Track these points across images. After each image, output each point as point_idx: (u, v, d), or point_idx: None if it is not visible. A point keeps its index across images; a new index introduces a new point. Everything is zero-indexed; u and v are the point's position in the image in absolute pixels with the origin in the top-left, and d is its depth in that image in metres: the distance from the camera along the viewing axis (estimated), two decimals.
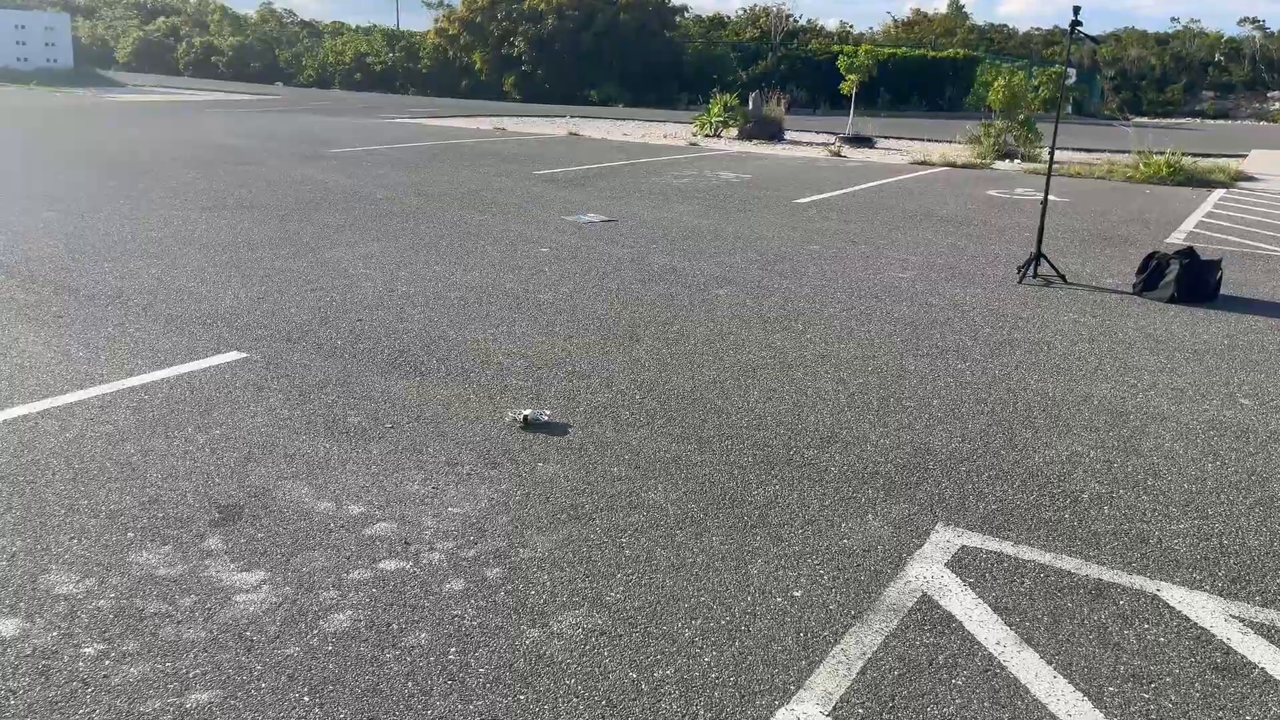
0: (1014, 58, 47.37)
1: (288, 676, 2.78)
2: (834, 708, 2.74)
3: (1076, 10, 7.94)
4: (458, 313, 6.68)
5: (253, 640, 2.94)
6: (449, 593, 3.23)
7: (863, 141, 22.78)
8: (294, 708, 2.65)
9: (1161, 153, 17.56)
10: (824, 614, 3.20)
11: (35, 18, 48.37)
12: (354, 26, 63.29)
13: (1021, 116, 20.33)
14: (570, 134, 24.13)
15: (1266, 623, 3.24)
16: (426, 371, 5.43)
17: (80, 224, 9.37)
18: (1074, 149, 22.18)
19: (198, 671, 2.79)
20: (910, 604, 3.27)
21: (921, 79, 45.67)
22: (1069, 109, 40.64)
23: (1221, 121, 50.15)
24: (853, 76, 25.04)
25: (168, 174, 13.43)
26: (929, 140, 24.40)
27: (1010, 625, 3.17)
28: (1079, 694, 2.84)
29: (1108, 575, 3.51)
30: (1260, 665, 3.01)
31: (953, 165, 18.91)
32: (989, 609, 3.26)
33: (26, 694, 2.66)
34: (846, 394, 5.33)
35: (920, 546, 3.67)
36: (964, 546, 3.68)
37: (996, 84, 20.77)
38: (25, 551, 3.39)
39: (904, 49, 49.22)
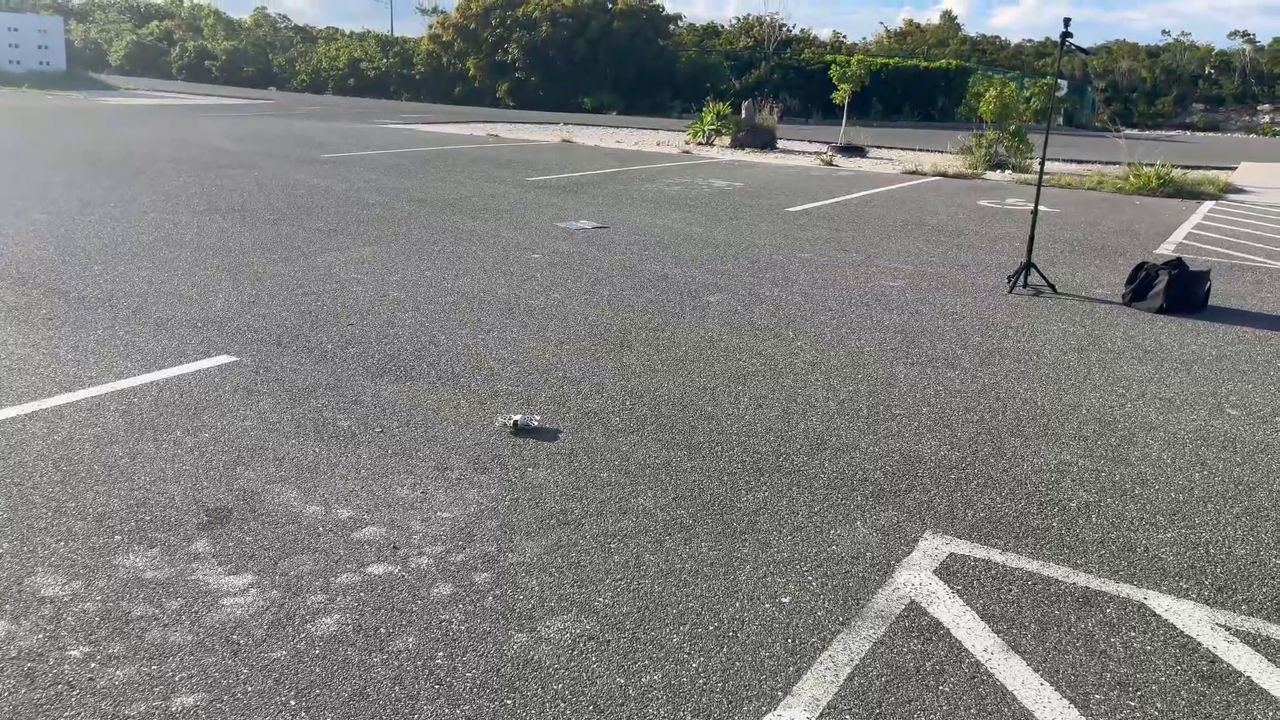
0: (1006, 69, 47.67)
1: (274, 680, 2.77)
2: (821, 714, 2.74)
3: (1067, 22, 8.00)
4: (449, 318, 6.68)
5: (239, 644, 2.93)
6: (437, 597, 3.23)
7: (855, 151, 22.86)
8: (280, 712, 2.65)
9: (1151, 164, 17.66)
10: (812, 620, 3.20)
11: (28, 20, 48.24)
12: (348, 32, 63.32)
13: (1013, 127, 20.44)
14: (563, 141, 24.16)
15: (1252, 631, 3.26)
16: (417, 376, 5.43)
17: (71, 226, 9.35)
18: (1065, 160, 22.29)
19: (184, 675, 2.78)
20: (898, 611, 3.28)
21: (914, 89, 45.86)
22: (1060, 120, 40.87)
23: (1211, 134, 50.46)
24: (845, 86, 25.13)
25: (159, 177, 13.40)
26: (921, 150, 24.51)
27: (998, 632, 3.18)
28: (1065, 701, 2.85)
29: (1095, 583, 3.53)
30: (1246, 674, 3.02)
31: (944, 175, 18.98)
32: (976, 616, 3.27)
33: (11, 696, 2.65)
34: (836, 401, 5.34)
35: (909, 554, 3.68)
36: (952, 554, 3.69)
37: (988, 95, 20.88)
38: (11, 554, 3.38)
39: (896, 59, 49.42)
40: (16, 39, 45.65)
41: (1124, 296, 8.18)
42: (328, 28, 67.45)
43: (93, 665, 2.80)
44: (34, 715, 2.59)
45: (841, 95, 25.30)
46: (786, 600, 3.31)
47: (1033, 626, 3.23)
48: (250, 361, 5.56)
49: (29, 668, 2.77)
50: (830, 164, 20.55)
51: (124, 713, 2.61)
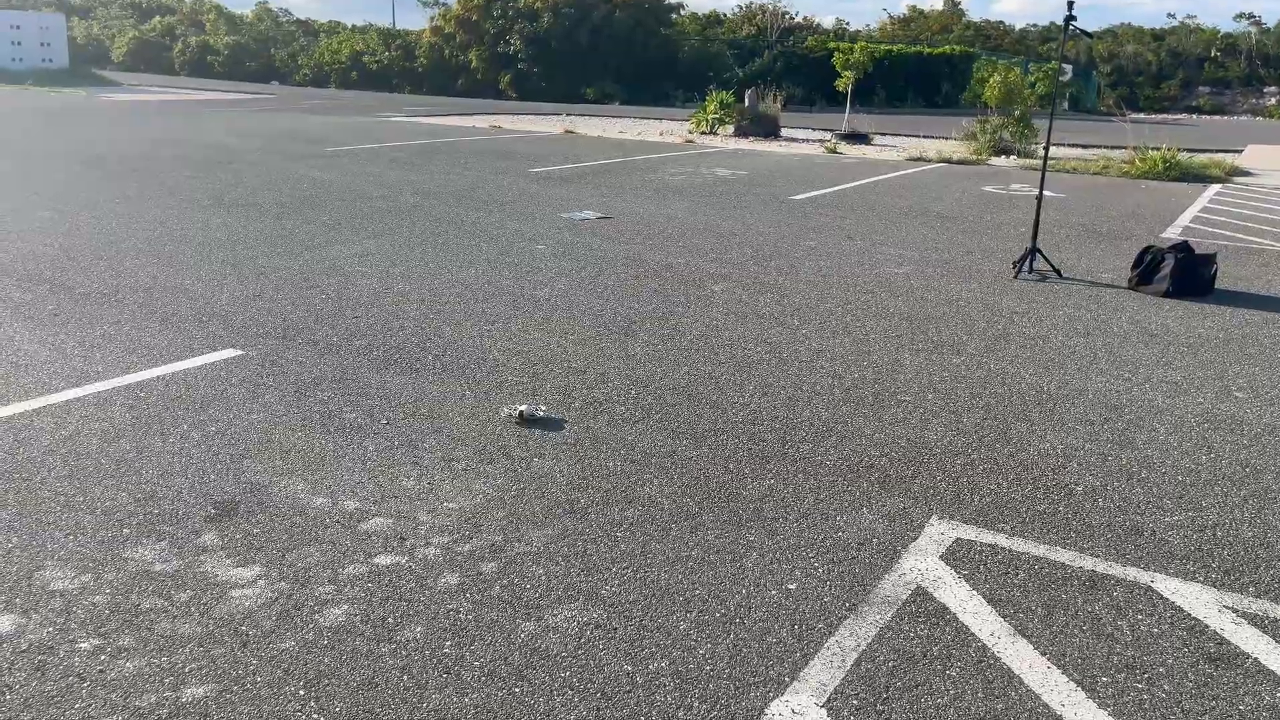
0: (1010, 54, 47.41)
1: (283, 671, 2.79)
2: (828, 699, 2.75)
3: (1070, 5, 7.95)
4: (454, 309, 6.68)
5: (248, 635, 2.94)
6: (444, 587, 3.24)
7: (859, 138, 22.78)
8: (289, 701, 2.66)
9: (1157, 148, 17.56)
10: (819, 606, 3.20)
11: (30, 18, 48.28)
12: (349, 25, 63.30)
13: (1017, 112, 20.33)
14: (566, 132, 24.12)
15: (1259, 613, 3.25)
16: (422, 368, 5.43)
17: (76, 223, 9.37)
18: (1070, 145, 22.20)
19: (193, 666, 2.79)
20: (905, 596, 3.28)
21: (918, 75, 45.67)
22: (1065, 105, 40.68)
23: (1217, 117, 50.19)
24: (849, 73, 25.04)
25: (163, 172, 13.42)
26: (925, 136, 24.42)
27: (1004, 617, 3.18)
28: (1072, 684, 2.85)
29: (1102, 567, 3.52)
30: (1253, 655, 3.02)
31: (949, 161, 18.92)
32: (983, 601, 3.27)
33: (22, 689, 2.67)
34: (842, 388, 5.34)
35: (915, 539, 3.68)
36: (958, 539, 3.69)
37: (992, 80, 20.78)
38: (21, 548, 3.39)
39: (900, 46, 49.21)
40: (19, 36, 45.70)
41: (1130, 280, 8.15)
42: (330, 21, 67.48)
43: (103, 657, 2.81)
44: (45, 707, 2.60)
45: (845, 83, 25.21)
46: (793, 587, 3.32)
47: (1039, 610, 3.23)
48: (256, 355, 5.57)
49: (40, 660, 2.79)
50: (834, 152, 20.48)
51: (134, 704, 2.62)
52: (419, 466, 4.16)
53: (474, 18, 47.56)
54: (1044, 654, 2.99)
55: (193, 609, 3.07)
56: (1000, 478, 4.26)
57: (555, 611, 3.12)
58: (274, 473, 4.05)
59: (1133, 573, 3.49)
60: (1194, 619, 3.21)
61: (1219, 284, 8.12)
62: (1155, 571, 3.50)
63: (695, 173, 15.83)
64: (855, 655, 2.95)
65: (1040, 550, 3.63)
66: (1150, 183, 16.27)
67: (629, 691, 2.75)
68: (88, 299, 6.65)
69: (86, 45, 60.32)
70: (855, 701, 2.74)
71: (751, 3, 58.32)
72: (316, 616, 3.05)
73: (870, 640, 3.02)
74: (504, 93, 45.80)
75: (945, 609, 3.21)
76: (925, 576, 3.41)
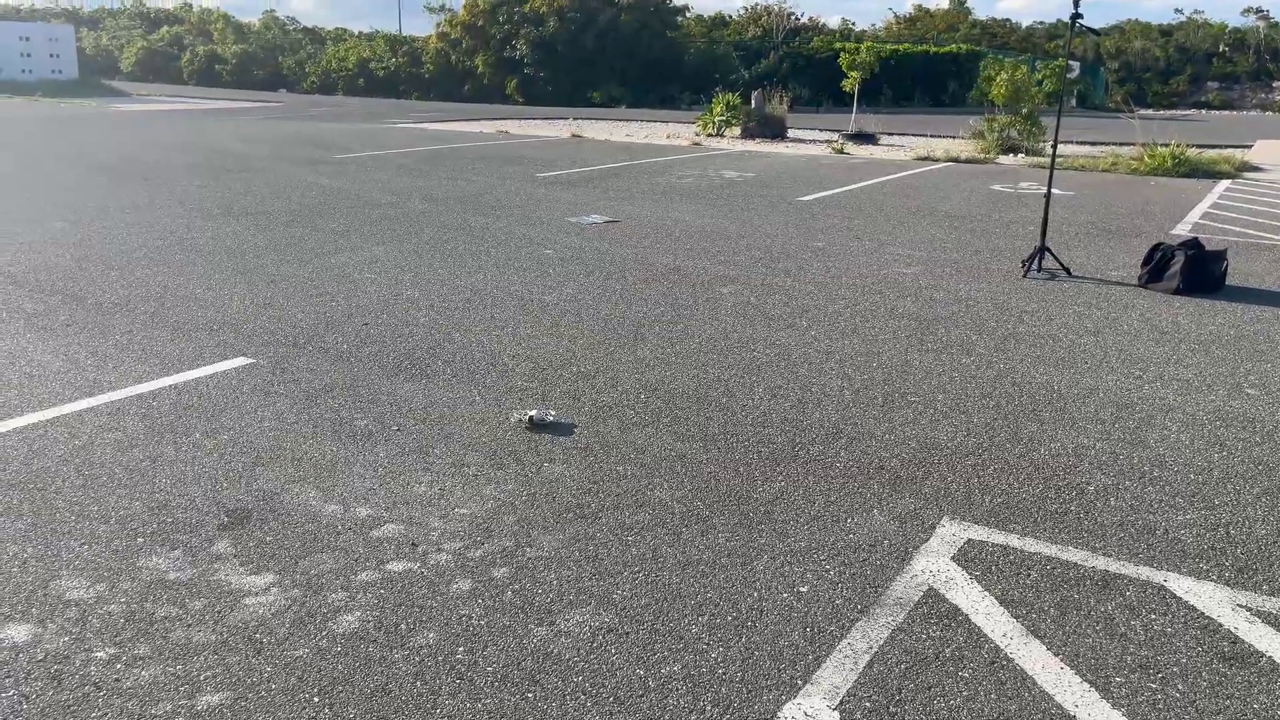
0: (1016, 52, 47.30)
1: (297, 678, 2.80)
2: (841, 701, 2.75)
3: (1076, 2, 7.94)
4: (463, 315, 6.70)
5: (262, 642, 2.96)
6: (456, 593, 3.25)
7: (866, 138, 22.75)
8: (304, 708, 2.67)
9: (1166, 144, 17.50)
10: (830, 609, 3.20)
11: (40, 29, 48.53)
12: (356, 32, 63.55)
13: (1025, 111, 20.27)
14: (573, 135, 24.16)
15: (1274, 612, 3.24)
16: (432, 374, 5.45)
17: (87, 233, 9.42)
18: (1078, 142, 22.13)
19: (208, 674, 2.81)
20: (916, 598, 3.28)
21: (924, 75, 45.59)
22: (1073, 103, 40.53)
23: (1226, 112, 49.98)
24: (855, 74, 25.02)
25: (173, 182, 13.49)
26: (932, 136, 24.36)
27: (1017, 617, 3.18)
28: (1086, 685, 2.84)
29: (1114, 566, 3.51)
30: (1268, 654, 3.01)
31: (956, 160, 18.88)
32: (995, 602, 3.27)
33: (39, 698, 2.69)
34: (851, 390, 5.34)
35: (926, 540, 3.67)
36: (970, 540, 3.69)
37: (999, 79, 20.71)
38: (36, 558, 3.42)
39: (906, 45, 49.14)
40: (28, 48, 45.92)
41: (1140, 278, 8.13)
42: (336, 29, 67.77)
43: (119, 666, 2.83)
44: (62, 716, 2.62)
45: (851, 83, 25.19)
46: (804, 589, 3.32)
47: (1052, 611, 3.22)
48: (267, 363, 5.60)
49: (56, 670, 2.81)
50: (841, 152, 20.46)
51: (150, 712, 2.64)
52: (430, 472, 4.18)
53: (480, 23, 47.67)
54: (1057, 655, 2.98)
55: (207, 617, 3.08)
56: (1011, 478, 4.25)
57: (567, 616, 3.13)
58: (286, 480, 4.07)
59: (1145, 572, 3.48)
60: (1207, 618, 3.20)
61: (1230, 280, 8.09)
62: (1168, 571, 3.49)
63: (702, 175, 15.84)
64: (867, 657, 2.95)
65: (1052, 550, 3.62)
66: (1159, 179, 16.21)
67: (641, 696, 2.76)
68: (100, 309, 6.69)
69: (95, 56, 60.62)
70: (868, 704, 2.74)
71: (757, 4, 58.35)
72: (330, 623, 3.06)
73: (882, 642, 3.02)
74: (510, 97, 45.87)
75: (957, 610, 3.21)
76: (937, 578, 3.41)
